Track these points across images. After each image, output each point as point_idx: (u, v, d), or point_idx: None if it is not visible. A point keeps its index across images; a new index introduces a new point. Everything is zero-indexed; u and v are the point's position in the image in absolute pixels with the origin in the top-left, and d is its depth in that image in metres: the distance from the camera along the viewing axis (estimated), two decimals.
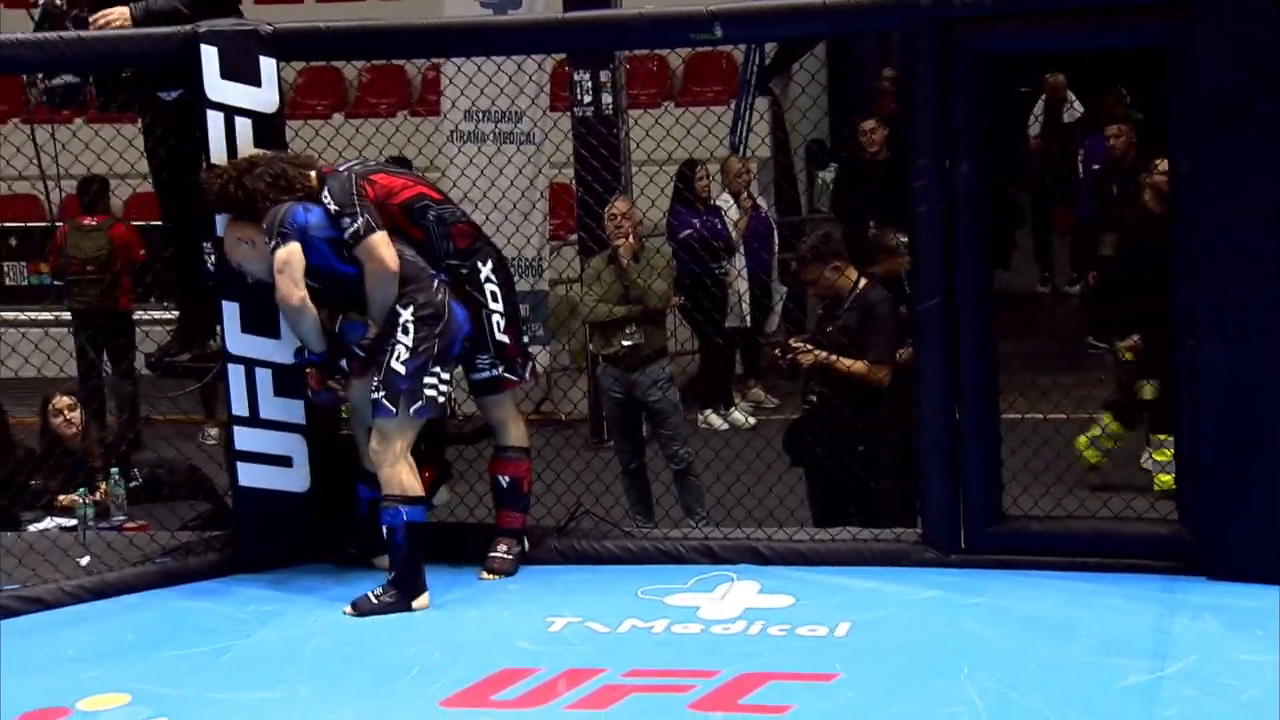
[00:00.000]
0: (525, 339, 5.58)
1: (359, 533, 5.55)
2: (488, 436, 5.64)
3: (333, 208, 5.16)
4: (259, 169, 5.23)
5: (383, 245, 5.14)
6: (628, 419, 7.47)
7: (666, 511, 7.12)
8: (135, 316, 9.43)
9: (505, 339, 5.42)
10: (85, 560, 5.66)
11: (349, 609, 5.13)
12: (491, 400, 5.48)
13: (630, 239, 7.36)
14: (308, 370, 5.37)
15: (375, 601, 5.12)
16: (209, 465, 7.01)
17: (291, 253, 5.12)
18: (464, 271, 5.37)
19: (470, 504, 5.95)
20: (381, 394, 5.12)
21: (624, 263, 7.33)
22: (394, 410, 5.11)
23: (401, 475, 5.12)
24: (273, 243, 5.14)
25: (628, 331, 7.35)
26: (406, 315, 5.16)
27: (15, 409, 7.57)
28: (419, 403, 5.14)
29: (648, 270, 7.38)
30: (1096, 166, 10.50)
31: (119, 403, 8.97)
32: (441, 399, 5.21)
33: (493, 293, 5.40)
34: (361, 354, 5.20)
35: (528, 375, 5.53)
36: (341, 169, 5.30)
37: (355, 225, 5.12)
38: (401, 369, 5.12)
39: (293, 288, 5.10)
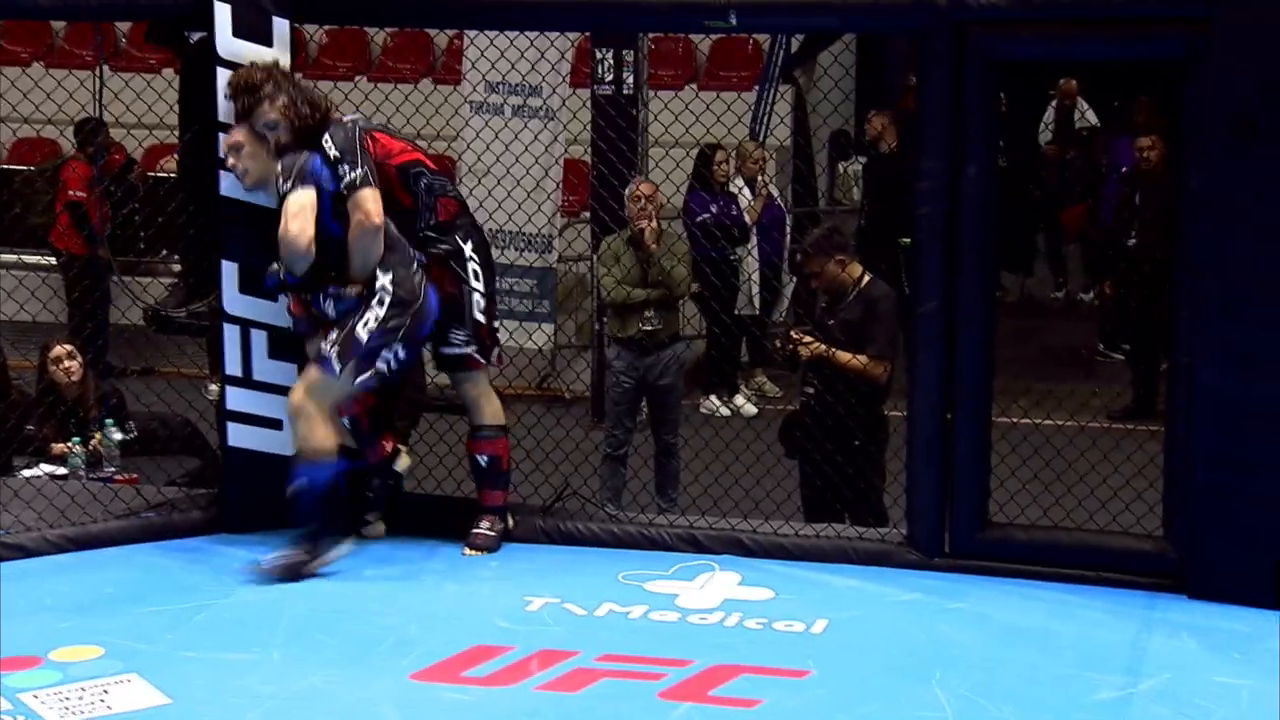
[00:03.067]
0: (497, 324, 5.56)
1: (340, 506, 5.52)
2: (459, 412, 5.61)
3: (333, 153, 5.13)
4: (301, 94, 5.20)
5: (373, 200, 5.11)
6: (633, 403, 7.47)
7: (635, 496, 7.09)
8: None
9: (482, 319, 5.40)
10: None
11: (262, 565, 5.09)
12: (463, 377, 5.45)
13: (654, 222, 7.34)
14: (291, 297, 5.32)
15: (286, 560, 5.09)
16: (204, 422, 7.01)
17: (311, 198, 5.12)
18: (444, 247, 5.35)
19: (440, 476, 5.92)
20: (334, 350, 5.10)
21: (649, 246, 7.31)
22: (337, 371, 5.10)
23: (322, 431, 5.09)
24: (289, 184, 5.14)
25: (646, 315, 7.34)
26: (385, 281, 5.14)
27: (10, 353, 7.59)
28: (367, 374, 5.13)
29: (670, 255, 7.37)
30: (1125, 169, 10.43)
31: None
32: (390, 374, 5.20)
33: (474, 271, 5.39)
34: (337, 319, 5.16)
35: (494, 360, 5.48)
36: (346, 119, 5.28)
37: (354, 175, 5.11)
38: (364, 336, 5.11)
39: (303, 229, 5.09)
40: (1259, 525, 4.90)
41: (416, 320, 5.19)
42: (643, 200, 7.35)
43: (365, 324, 5.12)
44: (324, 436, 5.11)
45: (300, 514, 5.14)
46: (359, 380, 5.14)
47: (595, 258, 9.70)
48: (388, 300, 5.13)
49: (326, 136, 5.18)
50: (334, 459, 5.13)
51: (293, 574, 5.09)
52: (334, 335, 5.13)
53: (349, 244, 5.14)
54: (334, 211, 5.16)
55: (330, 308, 5.20)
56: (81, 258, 9.66)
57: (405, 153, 5.34)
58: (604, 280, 7.46)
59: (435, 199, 5.34)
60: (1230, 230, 4.89)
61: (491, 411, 5.47)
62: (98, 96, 6.26)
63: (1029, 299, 11.74)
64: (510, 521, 5.52)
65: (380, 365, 5.15)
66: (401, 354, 5.18)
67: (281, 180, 5.17)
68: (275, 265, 5.23)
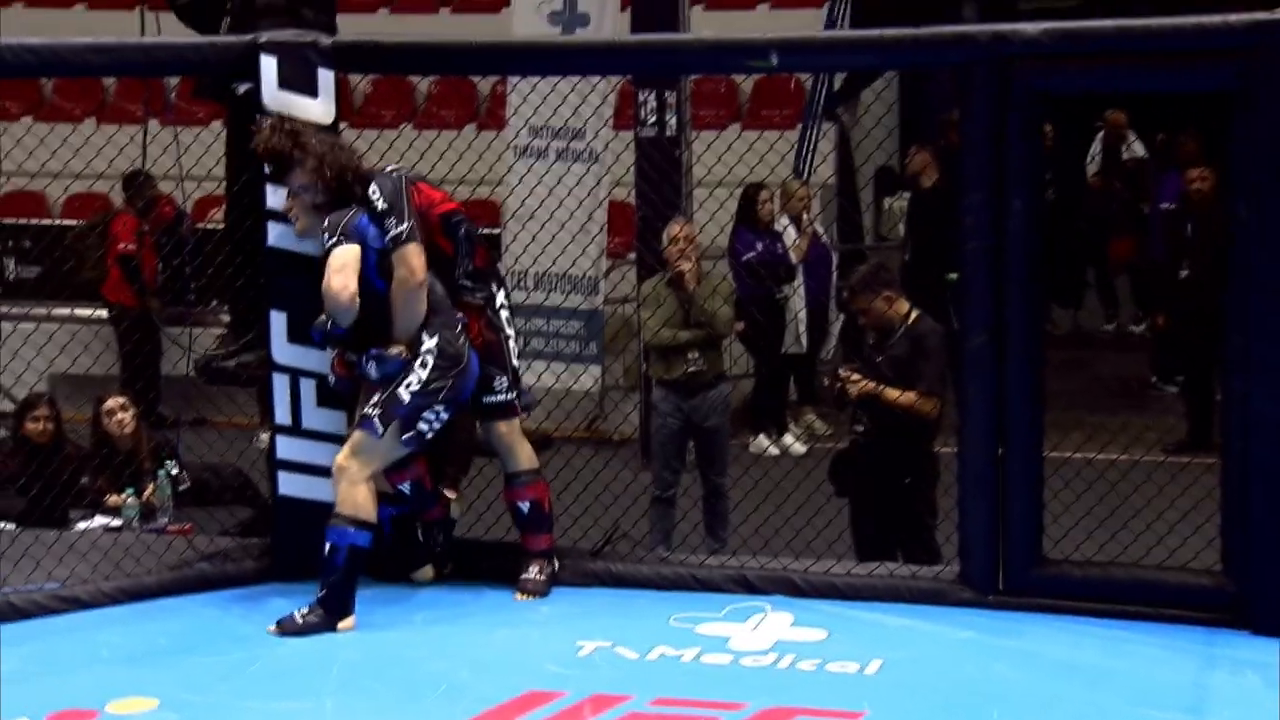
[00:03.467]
0: (521, 368, 5.59)
1: (389, 552, 5.53)
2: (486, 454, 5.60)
3: (381, 205, 5.14)
4: (330, 154, 5.21)
5: (417, 255, 5.12)
6: (680, 445, 7.45)
7: (685, 537, 7.08)
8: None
9: (518, 364, 5.45)
10: None
11: (273, 628, 5.09)
12: (501, 423, 5.42)
13: (693, 263, 7.35)
14: (335, 356, 5.34)
15: (300, 621, 5.09)
16: (257, 471, 7.05)
17: (355, 254, 5.13)
18: (480, 296, 5.36)
19: (489, 521, 5.92)
20: (377, 412, 5.12)
21: (689, 287, 7.31)
22: (380, 431, 5.10)
23: (358, 496, 5.10)
24: (334, 239, 5.14)
25: (690, 357, 7.33)
26: (430, 344, 5.14)
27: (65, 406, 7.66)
28: (410, 434, 5.13)
29: (713, 295, 7.37)
30: (1168, 205, 10.36)
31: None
32: (431, 436, 5.19)
33: (507, 318, 5.41)
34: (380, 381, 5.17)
35: (532, 400, 5.55)
36: (389, 170, 5.29)
37: (400, 229, 5.12)
38: (406, 396, 5.11)
39: (345, 284, 5.10)
40: None
41: (459, 383, 5.19)
42: (680, 241, 7.35)
43: (408, 385, 5.12)
44: (361, 501, 5.11)
45: (325, 575, 5.13)
46: (403, 438, 5.14)
47: (637, 301, 9.74)
48: (430, 363, 5.13)
49: (374, 187, 5.18)
50: (368, 527, 5.13)
51: (301, 634, 5.08)
52: (377, 396, 5.14)
53: (392, 299, 5.15)
54: (379, 268, 5.17)
55: (372, 369, 5.19)
56: (133, 310, 9.77)
57: (446, 202, 5.37)
58: (647, 323, 7.45)
59: (473, 245, 5.35)
60: (1276, 257, 4.84)
61: (526, 456, 5.45)
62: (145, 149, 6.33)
63: (1079, 331, 11.66)
64: (556, 564, 5.50)
65: (422, 426, 5.15)
66: (444, 415, 5.18)
67: (326, 236, 5.18)
68: (323, 317, 5.26)
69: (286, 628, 5.08)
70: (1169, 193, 10.45)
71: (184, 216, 10.08)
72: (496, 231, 8.80)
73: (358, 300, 5.14)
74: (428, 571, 5.56)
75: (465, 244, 5.34)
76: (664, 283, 7.47)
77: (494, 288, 5.41)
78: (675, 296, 7.36)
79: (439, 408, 5.16)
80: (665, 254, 7.48)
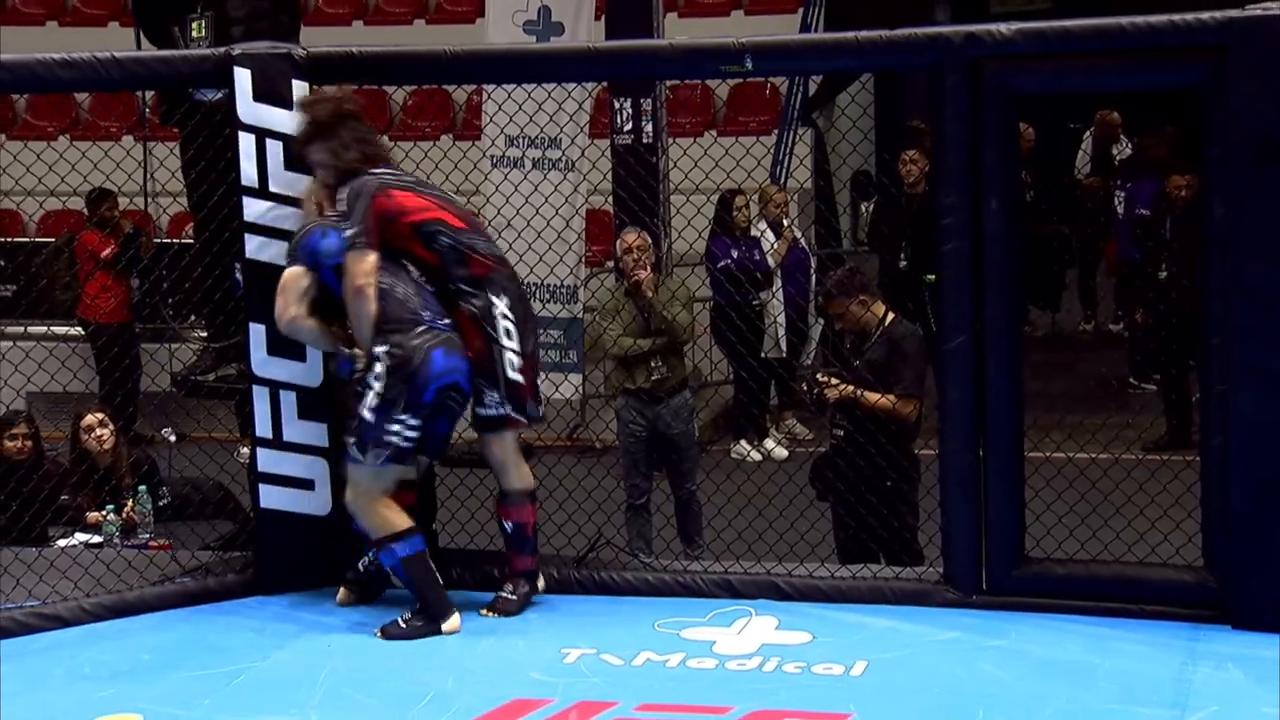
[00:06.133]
0: (540, 379, 5.46)
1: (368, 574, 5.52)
2: (479, 465, 5.57)
3: (341, 206, 5.20)
4: (358, 139, 5.25)
5: (358, 261, 5.12)
6: (646, 453, 7.44)
7: (669, 544, 7.08)
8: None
9: (519, 378, 5.26)
10: None
11: (379, 633, 5.12)
12: (494, 438, 5.35)
13: (649, 270, 7.33)
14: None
15: (404, 626, 5.12)
16: (238, 485, 7.02)
17: (294, 275, 5.22)
18: (476, 303, 5.26)
19: (473, 530, 5.90)
20: (352, 440, 5.14)
21: (647, 295, 7.30)
22: (361, 458, 5.12)
23: (380, 516, 5.13)
24: (288, 257, 5.28)
25: (653, 365, 7.33)
26: (381, 351, 5.12)
27: (43, 423, 7.62)
28: (384, 451, 5.11)
29: (672, 301, 7.36)
30: (1143, 212, 10.39)
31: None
32: (407, 445, 5.14)
33: (506, 329, 5.25)
34: (358, 388, 5.20)
35: (539, 413, 5.40)
36: (374, 172, 5.26)
37: (348, 233, 5.15)
38: (370, 416, 5.10)
39: (283, 308, 5.22)
40: None
41: (416, 383, 5.09)
42: (635, 250, 7.33)
43: (368, 404, 5.11)
44: (387, 517, 5.13)
45: (410, 589, 5.19)
46: (380, 460, 5.11)
47: (596, 312, 9.74)
48: (382, 371, 5.11)
49: (341, 190, 5.21)
50: (409, 532, 5.14)
51: (406, 638, 5.10)
52: (351, 423, 5.16)
53: (347, 308, 5.18)
54: (339, 277, 5.21)
55: (335, 366, 5.31)
56: (109, 327, 9.75)
57: (425, 211, 5.26)
58: (606, 334, 7.43)
59: (463, 255, 5.25)
60: (1256, 255, 4.87)
61: (519, 476, 5.38)
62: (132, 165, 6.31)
63: (1058, 332, 11.69)
64: (540, 585, 5.44)
65: (392, 440, 5.10)
66: (412, 422, 5.12)
67: (289, 250, 5.29)
68: (350, 351, 5.26)
69: (390, 633, 5.11)
70: (1143, 196, 10.49)
71: (140, 233, 10.03)
72: None
73: (303, 320, 5.21)
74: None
75: (451, 253, 5.26)
76: (621, 292, 7.46)
77: (494, 297, 5.26)
78: (634, 305, 7.35)
79: (403, 417, 5.10)
80: (621, 263, 7.47)
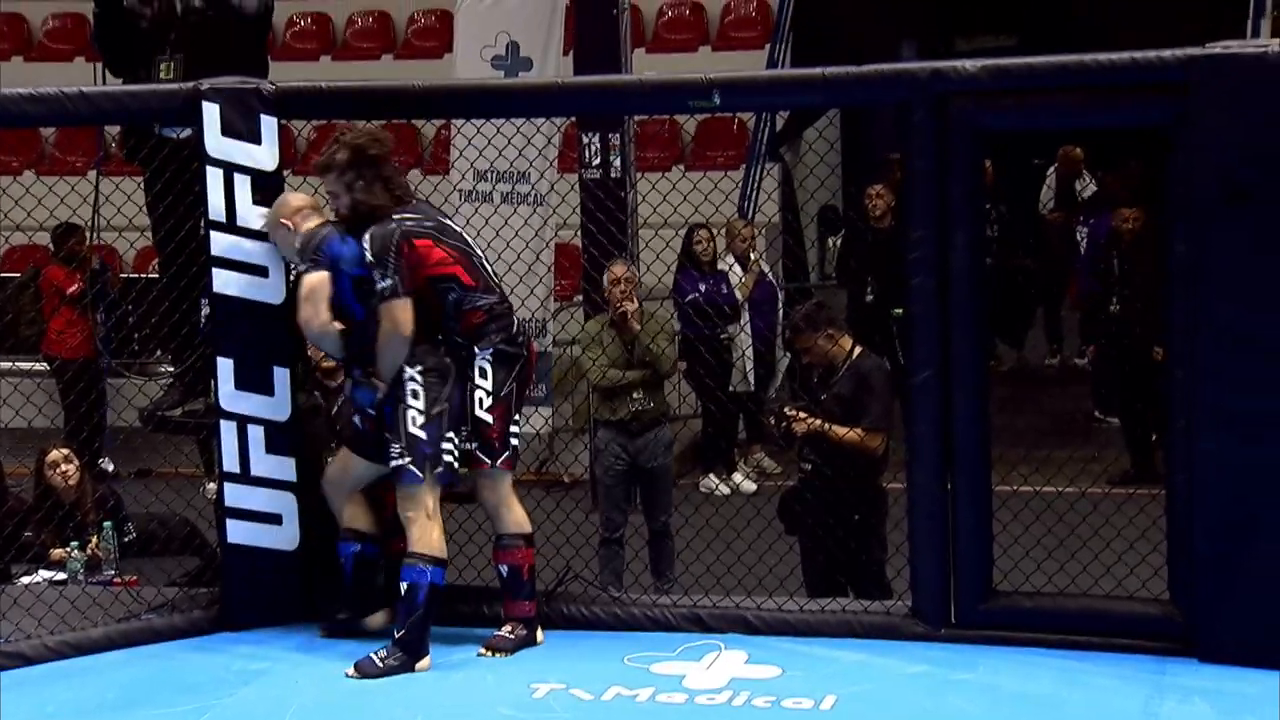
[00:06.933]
0: (514, 429, 5.40)
1: (347, 594, 5.50)
2: (472, 500, 5.57)
3: (369, 257, 5.19)
4: (373, 183, 5.25)
5: (402, 311, 5.15)
6: (625, 486, 7.44)
7: (637, 577, 7.08)
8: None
9: (487, 418, 5.28)
10: None
11: (352, 670, 5.08)
12: (483, 483, 5.35)
13: (636, 303, 7.36)
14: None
15: (380, 664, 5.08)
16: (204, 520, 6.97)
17: (321, 280, 5.20)
18: (463, 353, 5.32)
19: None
20: (407, 460, 5.14)
21: (634, 328, 7.32)
22: (421, 475, 5.14)
23: (432, 535, 5.15)
24: (304, 265, 5.24)
25: (635, 396, 7.34)
26: (413, 372, 5.17)
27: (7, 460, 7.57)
28: (440, 468, 5.17)
29: (659, 335, 7.38)
30: (1102, 241, 10.48)
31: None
32: (455, 463, 5.23)
33: (481, 369, 5.28)
34: (372, 412, 5.24)
35: (499, 464, 5.33)
36: (396, 217, 5.25)
37: (385, 284, 5.16)
38: (422, 434, 5.14)
39: (314, 314, 5.19)
40: (1267, 586, 4.87)
41: (453, 398, 5.21)
42: (623, 283, 7.36)
43: (414, 422, 5.14)
44: (435, 539, 5.15)
45: (405, 615, 5.12)
46: (437, 473, 5.16)
47: (581, 343, 9.74)
48: (421, 391, 5.16)
49: (367, 235, 5.20)
50: (442, 564, 5.16)
51: (381, 676, 5.06)
52: (397, 446, 5.15)
53: (377, 348, 5.18)
54: (356, 293, 5.22)
55: (349, 388, 5.32)
56: (74, 362, 9.69)
57: (443, 266, 5.28)
58: (594, 366, 7.44)
59: (464, 313, 5.29)
60: (1224, 295, 4.89)
61: (514, 520, 5.37)
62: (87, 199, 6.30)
63: (1024, 366, 11.74)
64: (540, 637, 5.39)
65: (446, 457, 5.18)
66: (456, 440, 5.21)
67: (299, 259, 5.25)
68: (372, 380, 5.25)
69: (366, 670, 5.06)
70: (1106, 231, 10.57)
71: (106, 269, 10.00)
72: None
73: (331, 326, 5.19)
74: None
75: (454, 308, 5.29)
76: (607, 324, 7.48)
77: (476, 346, 5.30)
78: (619, 338, 7.36)
79: (449, 433, 5.18)
80: (607, 295, 7.49)
